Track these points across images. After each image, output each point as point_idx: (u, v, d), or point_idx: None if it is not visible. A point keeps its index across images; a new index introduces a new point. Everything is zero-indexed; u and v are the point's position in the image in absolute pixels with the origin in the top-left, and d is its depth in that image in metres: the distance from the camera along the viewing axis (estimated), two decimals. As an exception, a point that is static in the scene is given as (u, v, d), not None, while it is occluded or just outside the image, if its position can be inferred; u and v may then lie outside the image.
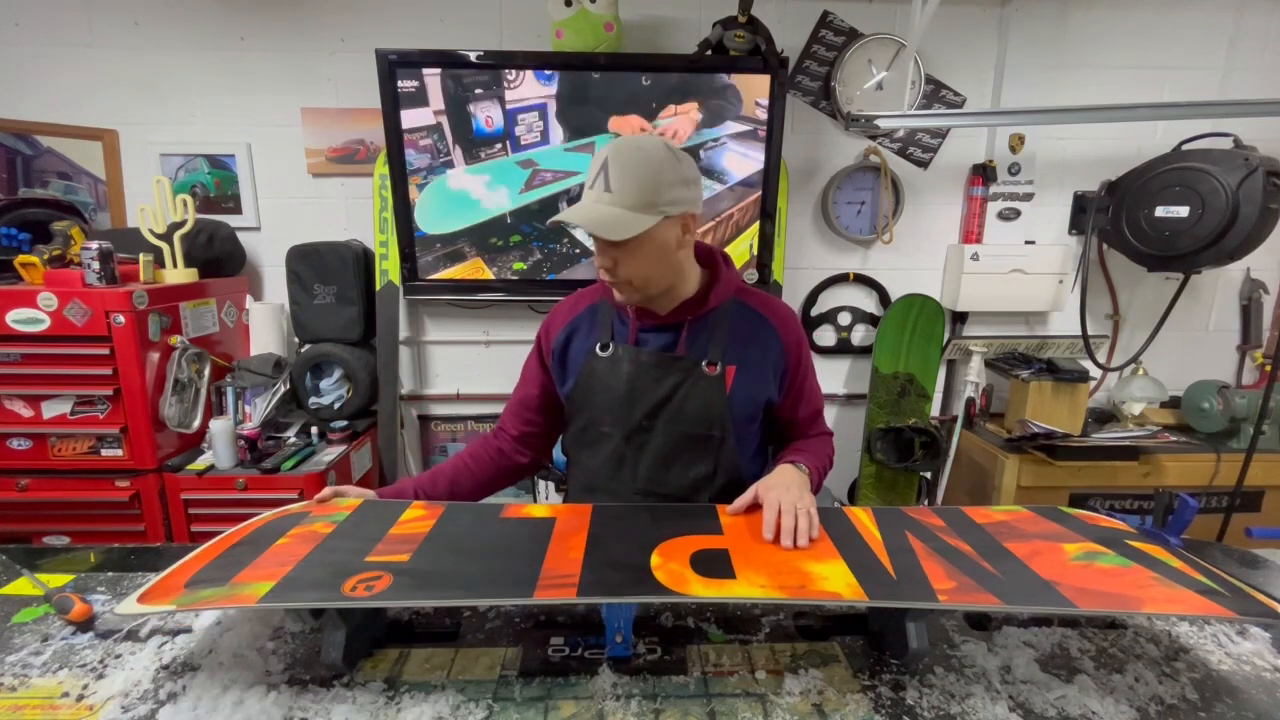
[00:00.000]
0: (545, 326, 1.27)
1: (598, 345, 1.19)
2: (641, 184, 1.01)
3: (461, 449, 2.61)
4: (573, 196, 2.26)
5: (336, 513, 1.02)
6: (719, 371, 1.14)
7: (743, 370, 1.15)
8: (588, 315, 1.23)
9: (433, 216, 2.27)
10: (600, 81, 2.18)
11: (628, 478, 1.19)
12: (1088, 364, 2.42)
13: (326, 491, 1.10)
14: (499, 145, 2.22)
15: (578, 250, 2.31)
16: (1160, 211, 2.15)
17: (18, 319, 1.80)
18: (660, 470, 1.17)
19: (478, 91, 2.16)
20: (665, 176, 1.02)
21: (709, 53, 2.15)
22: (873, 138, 2.44)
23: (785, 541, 0.91)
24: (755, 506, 1.01)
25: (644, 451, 1.17)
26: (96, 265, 1.82)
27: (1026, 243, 2.51)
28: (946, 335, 2.55)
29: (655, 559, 0.85)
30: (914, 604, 0.79)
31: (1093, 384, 2.52)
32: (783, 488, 1.00)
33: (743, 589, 0.79)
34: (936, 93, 2.42)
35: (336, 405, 2.33)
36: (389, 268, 2.35)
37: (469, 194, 2.25)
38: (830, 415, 2.62)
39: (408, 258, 2.29)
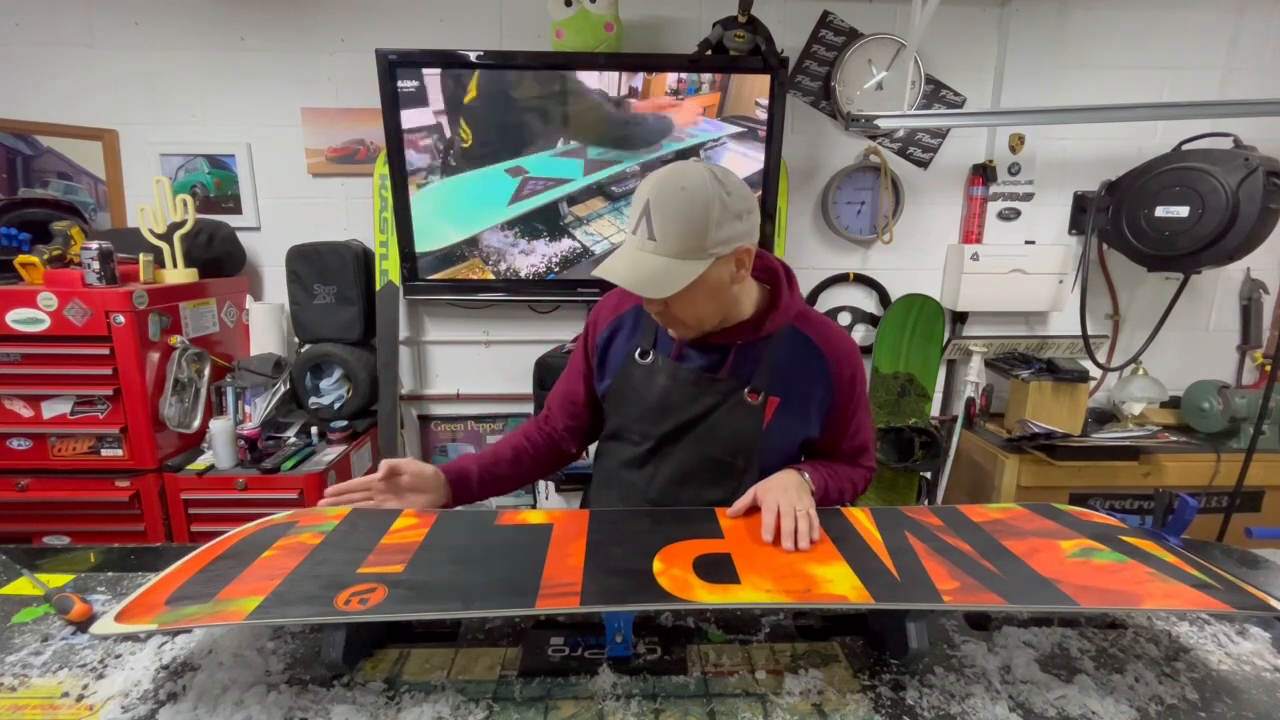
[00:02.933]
0: (592, 318, 1.23)
1: (638, 351, 1.15)
2: (687, 229, 0.93)
3: (464, 449, 2.63)
4: (572, 197, 2.26)
5: (324, 522, 1.00)
6: (760, 401, 1.09)
7: (785, 403, 1.10)
8: (632, 314, 1.19)
9: (428, 230, 2.27)
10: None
11: (643, 486, 1.17)
12: (1088, 364, 2.42)
13: (383, 465, 1.05)
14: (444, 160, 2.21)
15: (579, 249, 2.31)
16: (1160, 211, 2.15)
17: (18, 319, 1.80)
18: (676, 487, 1.14)
19: (478, 91, 2.16)
20: (713, 216, 0.93)
21: (709, 53, 2.15)
22: (873, 138, 2.44)
23: (786, 544, 0.90)
24: (755, 509, 1.00)
25: (664, 465, 1.15)
26: (96, 265, 1.82)
27: (1026, 243, 2.51)
28: (946, 335, 2.55)
29: (657, 565, 0.85)
30: (920, 605, 0.79)
31: (1093, 384, 2.52)
32: (780, 489, 1.00)
33: (748, 594, 0.79)
34: (936, 93, 2.42)
35: (336, 405, 2.33)
36: (389, 268, 2.35)
37: (456, 206, 2.25)
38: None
39: (408, 258, 2.29)
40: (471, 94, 2.15)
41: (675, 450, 1.14)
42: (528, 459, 1.23)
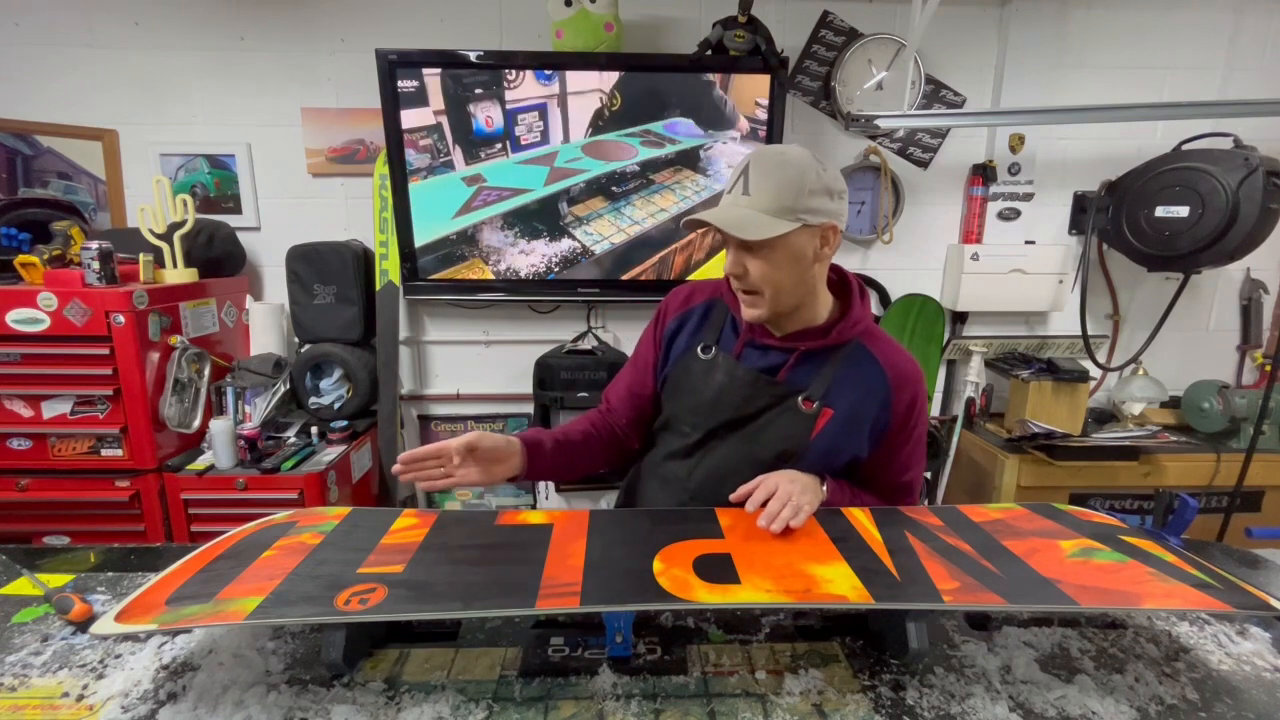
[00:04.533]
0: (662, 308, 1.23)
1: (700, 346, 1.15)
2: (780, 188, 0.97)
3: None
4: (573, 197, 2.26)
5: (324, 522, 1.00)
6: (813, 410, 1.08)
7: (838, 417, 1.08)
8: (701, 310, 1.19)
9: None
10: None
11: (684, 477, 1.17)
12: (1088, 364, 2.42)
13: (472, 436, 1.04)
14: (499, 145, 2.22)
15: (579, 249, 2.31)
16: (1160, 211, 2.15)
17: (18, 319, 1.80)
18: (716, 483, 1.13)
19: (478, 91, 2.17)
20: (807, 183, 0.97)
21: (709, 53, 2.15)
22: (873, 138, 2.44)
23: (761, 521, 0.92)
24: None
25: (707, 459, 1.15)
26: (96, 265, 1.82)
27: (1026, 243, 2.51)
28: (946, 335, 2.55)
29: (658, 565, 0.85)
30: (920, 605, 0.79)
31: (1093, 384, 2.52)
32: (787, 479, 1.00)
33: (748, 594, 0.79)
34: (936, 93, 2.42)
35: (336, 405, 2.33)
36: (389, 268, 2.35)
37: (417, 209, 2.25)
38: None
39: (408, 258, 2.29)
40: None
41: (721, 446, 1.14)
42: (596, 444, 1.22)
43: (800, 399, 1.08)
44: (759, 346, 1.12)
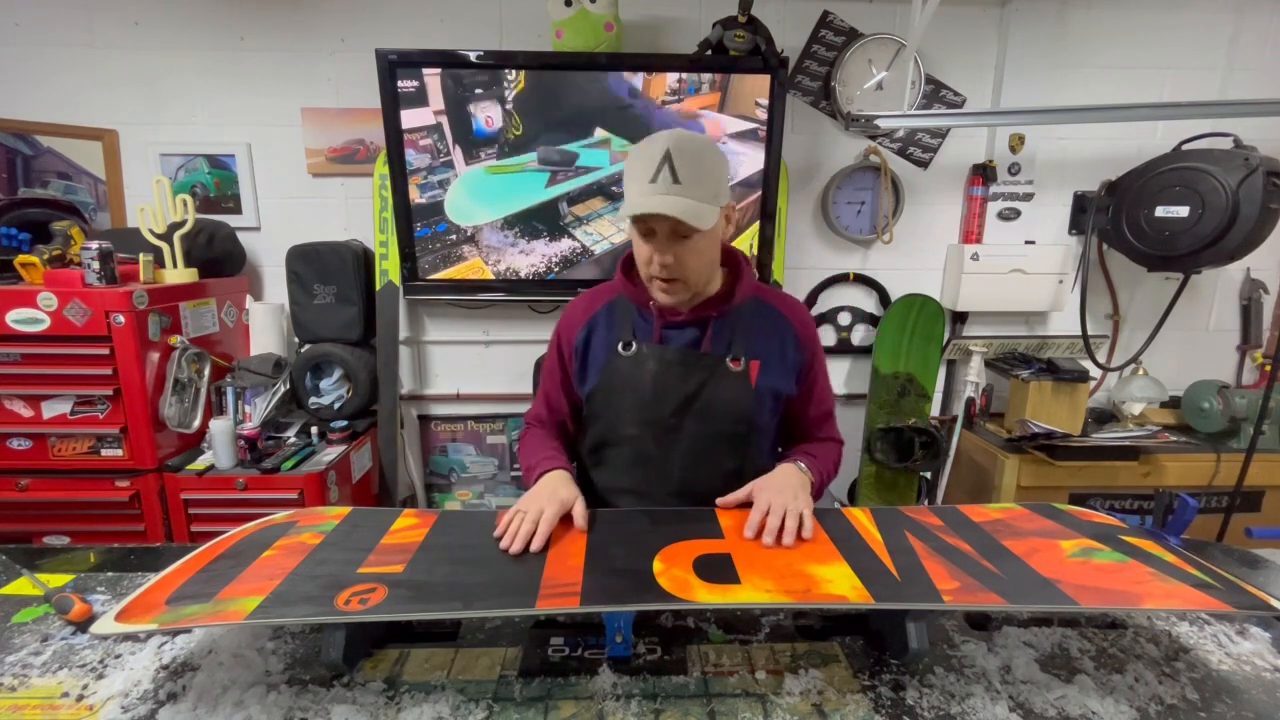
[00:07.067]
0: (561, 327, 1.24)
1: (620, 344, 1.16)
2: (711, 175, 1.01)
3: (464, 449, 2.64)
4: (572, 197, 2.26)
5: (324, 522, 1.00)
6: (743, 366, 1.14)
7: (765, 365, 1.16)
8: (605, 313, 1.21)
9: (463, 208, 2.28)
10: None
11: (658, 478, 1.17)
12: (1088, 364, 2.42)
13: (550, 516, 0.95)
14: (499, 145, 2.22)
15: (579, 249, 2.31)
16: (1160, 211, 2.15)
17: (18, 319, 1.80)
18: (692, 469, 1.16)
19: (478, 91, 2.17)
20: (721, 168, 1.04)
21: (709, 53, 2.15)
22: (873, 138, 2.44)
23: (767, 540, 0.92)
24: (749, 504, 1.01)
25: (673, 451, 1.16)
26: (96, 265, 1.82)
27: (1026, 243, 2.50)
28: (946, 335, 2.55)
29: (658, 565, 0.85)
30: (920, 605, 0.79)
31: (1093, 384, 2.52)
32: (776, 490, 1.01)
33: (748, 594, 0.79)
34: (936, 93, 2.42)
35: (336, 405, 2.33)
36: (389, 268, 2.35)
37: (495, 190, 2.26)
38: (830, 415, 2.61)
39: (408, 258, 2.29)
40: (520, 86, 2.18)
41: (680, 435, 1.15)
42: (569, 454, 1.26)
43: (728, 361, 1.14)
44: (675, 326, 1.16)
